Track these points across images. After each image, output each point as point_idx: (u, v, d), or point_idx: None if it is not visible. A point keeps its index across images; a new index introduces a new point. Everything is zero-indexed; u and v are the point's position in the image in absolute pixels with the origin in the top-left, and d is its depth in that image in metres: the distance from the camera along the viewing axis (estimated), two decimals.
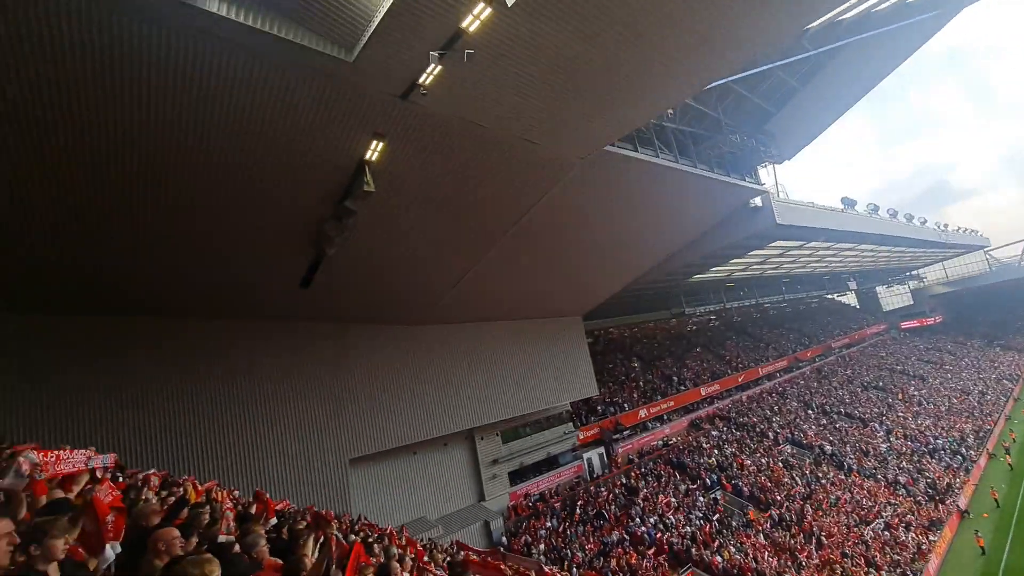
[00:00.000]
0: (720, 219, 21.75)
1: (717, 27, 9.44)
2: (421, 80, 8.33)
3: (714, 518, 20.39)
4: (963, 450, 29.51)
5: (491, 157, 11.45)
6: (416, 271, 15.57)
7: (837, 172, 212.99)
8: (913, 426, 32.68)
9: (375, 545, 7.57)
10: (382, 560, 6.63)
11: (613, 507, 21.53)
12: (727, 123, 18.51)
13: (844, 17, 17.06)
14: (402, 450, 18.74)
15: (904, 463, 27.16)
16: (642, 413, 29.36)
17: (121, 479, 5.78)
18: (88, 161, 8.20)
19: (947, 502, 23.28)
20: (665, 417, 30.57)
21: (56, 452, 4.36)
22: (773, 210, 21.21)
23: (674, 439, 28.92)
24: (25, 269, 10.42)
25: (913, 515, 21.82)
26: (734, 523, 20.25)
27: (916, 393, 40.23)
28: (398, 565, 6.31)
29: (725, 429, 29.09)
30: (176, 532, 3.65)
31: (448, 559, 10.51)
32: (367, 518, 14.89)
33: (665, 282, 30.83)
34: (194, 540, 4.31)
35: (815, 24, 16.37)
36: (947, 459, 28.21)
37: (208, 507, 5.73)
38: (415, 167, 10.92)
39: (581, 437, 26.24)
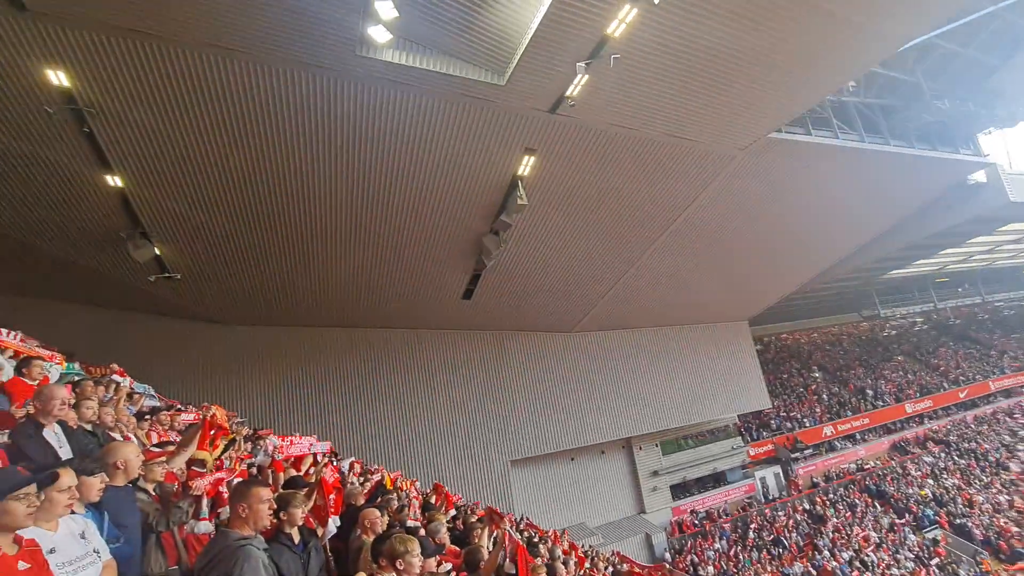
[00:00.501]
0: (926, 202, 18.15)
1: None
2: (568, 92, 8.53)
3: (932, 563, 16.91)
4: None
5: (642, 158, 11.19)
6: (571, 279, 15.82)
7: None
8: None
9: (540, 545, 7.85)
10: (548, 559, 6.86)
11: (794, 535, 19.17)
12: (930, 87, 15.39)
13: None
14: (561, 455, 19.08)
15: None
16: (827, 431, 25.68)
17: (335, 463, 6.88)
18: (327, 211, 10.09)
19: None
20: (858, 436, 26.32)
21: (290, 437, 5.38)
22: (1005, 185, 17.01)
23: (871, 463, 24.71)
24: (260, 290, 13.11)
25: None
26: (962, 573, 16.56)
27: None
28: (563, 567, 6.46)
29: (943, 456, 23.94)
30: (378, 512, 4.24)
31: (610, 569, 10.41)
32: (529, 518, 15.48)
33: (852, 280, 26.61)
34: (386, 520, 4.98)
35: None
36: None
37: (397, 494, 6.55)
38: (566, 177, 11.17)
39: (752, 454, 23.90)
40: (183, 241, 10.78)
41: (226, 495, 3.17)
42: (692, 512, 20.94)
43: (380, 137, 8.89)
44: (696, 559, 17.85)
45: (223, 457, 4.36)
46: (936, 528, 19.02)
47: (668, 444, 22.11)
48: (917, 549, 17.92)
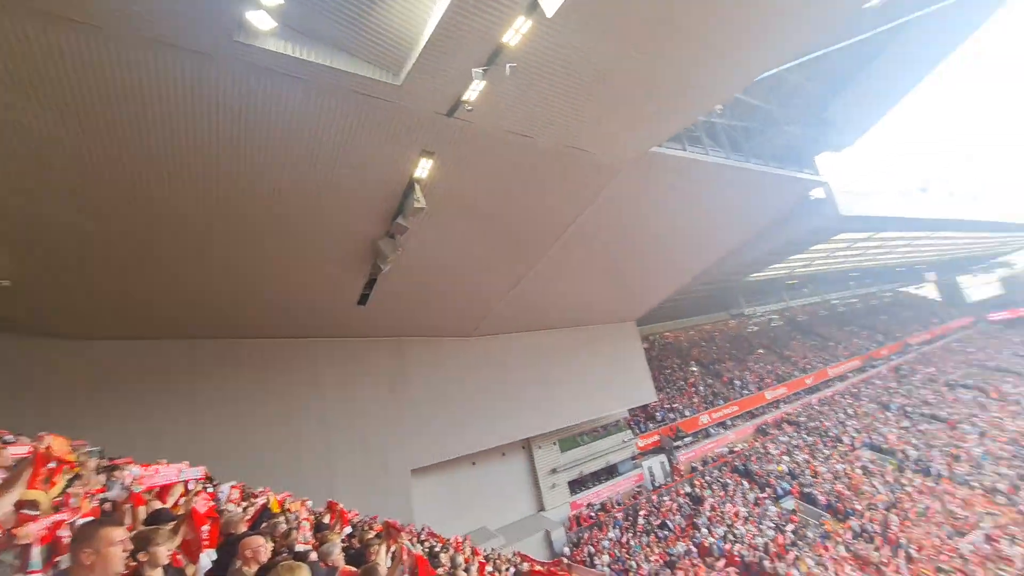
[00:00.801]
0: (779, 215, 20.83)
1: (763, 17, 9.13)
2: (465, 96, 8.54)
3: (788, 529, 19.34)
4: None
5: (539, 166, 11.53)
6: (467, 283, 15.84)
7: (908, 158, 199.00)
8: (1012, 427, 29.75)
9: (442, 554, 7.72)
10: (449, 568, 6.76)
11: (678, 517, 20.86)
12: (781, 114, 17.75)
13: None
14: (462, 460, 18.98)
15: (1003, 468, 24.75)
16: (703, 419, 28.35)
17: (210, 490, 6.20)
18: (174, 206, 8.96)
19: None
20: (729, 423, 29.37)
21: (155, 466, 4.74)
22: (836, 202, 20.10)
23: (740, 445, 27.71)
24: (110, 299, 11.45)
25: (1019, 527, 19.83)
26: (810, 534, 19.12)
27: (1013, 391, 36.62)
28: (465, 574, 6.40)
29: (795, 434, 27.58)
30: (262, 540, 3.88)
31: (512, 569, 10.53)
32: (430, 528, 15.18)
33: (722, 283, 29.80)
34: (272, 547, 4.57)
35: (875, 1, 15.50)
36: None
37: (285, 517, 6.06)
38: (464, 181, 11.16)
39: (641, 445, 25.64)
40: (18, 241, 9.09)
41: (67, 540, 2.72)
42: (588, 505, 21.94)
43: (263, 131, 8.20)
44: (592, 550, 18.71)
45: (67, 494, 3.75)
46: (790, 498, 21.80)
47: (566, 442, 22.99)
48: (776, 518, 20.39)
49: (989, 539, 18.92)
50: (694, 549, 18.54)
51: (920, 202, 27.36)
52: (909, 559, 17.42)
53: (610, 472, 23.92)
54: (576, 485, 22.56)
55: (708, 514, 20.68)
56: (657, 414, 27.83)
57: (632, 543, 19.08)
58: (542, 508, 20.98)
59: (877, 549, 17.76)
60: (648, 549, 18.65)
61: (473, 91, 8.41)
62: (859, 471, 23.55)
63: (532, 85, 8.90)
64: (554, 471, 21.93)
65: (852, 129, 22.02)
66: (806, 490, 21.97)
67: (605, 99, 9.88)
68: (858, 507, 20.53)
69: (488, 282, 16.29)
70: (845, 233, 26.03)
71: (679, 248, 19.77)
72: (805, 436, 27.20)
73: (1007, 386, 38.21)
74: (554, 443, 22.54)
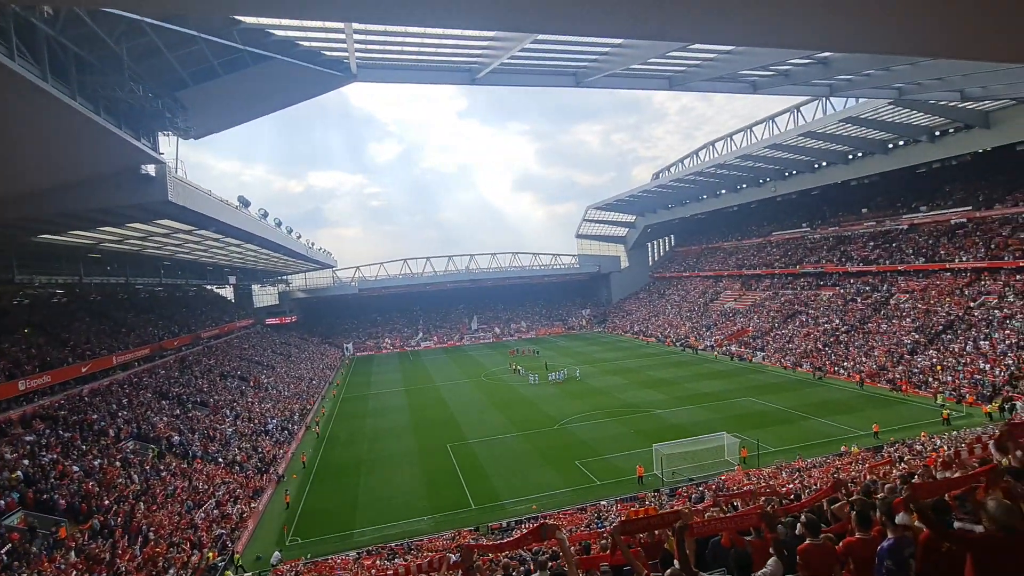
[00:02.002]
0: (94, 174, 17.82)
1: None
2: None
3: (2, 551, 15.50)
4: (290, 426, 36.09)
5: None
6: None
7: (235, 169, 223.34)
8: (257, 409, 37.24)
9: None
10: None
11: None
12: (130, 66, 15.53)
13: (275, 32, 18.23)
14: None
15: (244, 443, 30.30)
16: None
17: None
18: None
19: (270, 471, 27.59)
20: None
21: None
22: (168, 185, 19.33)
23: None
24: None
25: (242, 488, 24.47)
26: (35, 549, 16.11)
27: (266, 381, 46.33)
28: None
29: (49, 432, 23.10)
30: None
31: None
32: None
33: None
34: None
35: (249, 21, 16.63)
36: (277, 435, 33.66)
37: None
38: None
39: None
40: None
41: None
42: None
43: None
44: None
45: None
46: (16, 512, 17.73)
47: None
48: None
49: (219, 504, 22.27)
50: None
51: (242, 214, 30.77)
52: (146, 542, 17.80)
53: None
54: None
55: None
56: None
57: None
58: None
59: (116, 542, 17.13)
60: None
61: None
62: (118, 464, 22.42)
63: None
64: None
65: (204, 123, 22.32)
66: (44, 497, 18.62)
67: None
68: (107, 503, 19.32)
69: None
70: (169, 220, 25.46)
71: None
72: (62, 432, 23.36)
73: (264, 377, 47.95)
74: None
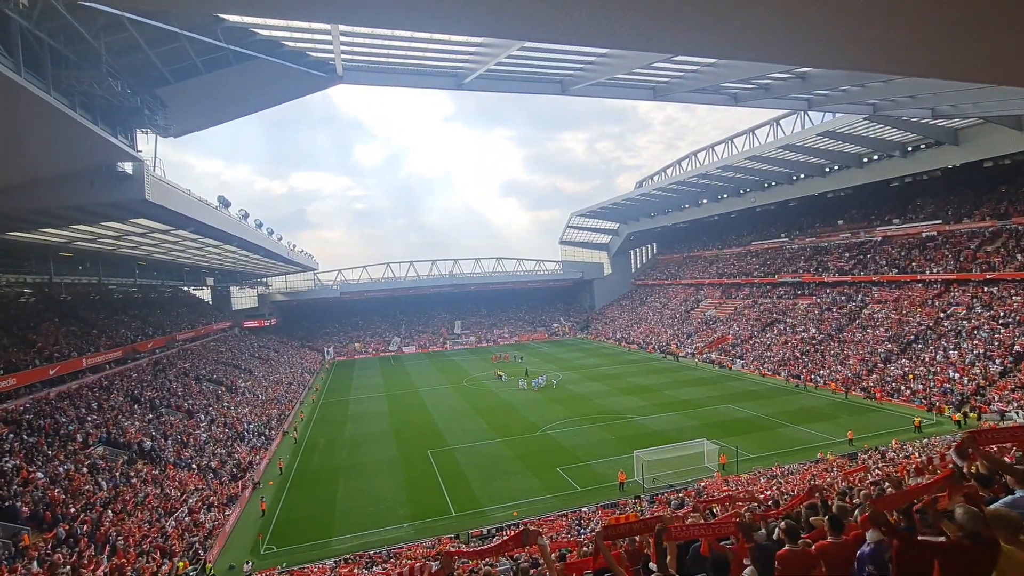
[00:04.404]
0: (68, 170, 17.36)
1: None
2: None
3: None
4: (267, 431, 35.40)
5: None
6: None
7: (217, 169, 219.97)
8: (233, 414, 36.43)
9: None
10: None
11: None
12: (109, 61, 15.18)
13: (260, 32, 18.01)
14: None
15: (219, 449, 29.60)
16: None
17: None
18: None
19: (245, 477, 26.98)
20: None
21: None
22: (145, 183, 18.91)
23: None
24: None
25: (216, 495, 23.88)
26: None
27: (243, 385, 45.39)
28: None
29: (12, 436, 22.27)
30: None
31: None
32: None
33: None
34: None
35: (233, 19, 16.41)
36: (253, 441, 32.96)
37: None
38: None
39: None
40: None
41: None
42: None
43: None
44: None
45: None
46: None
47: None
48: None
49: (191, 512, 21.67)
50: None
51: (222, 215, 30.23)
52: (114, 552, 17.23)
53: None
54: None
55: None
56: None
57: None
58: None
59: (82, 551, 16.55)
60: None
61: None
62: (85, 470, 21.70)
63: None
64: None
65: (184, 121, 21.89)
66: (6, 504, 17.94)
67: None
68: (73, 510, 18.67)
69: None
70: (146, 219, 24.88)
71: None
72: (25, 437, 22.55)
73: (240, 381, 46.96)
74: None
